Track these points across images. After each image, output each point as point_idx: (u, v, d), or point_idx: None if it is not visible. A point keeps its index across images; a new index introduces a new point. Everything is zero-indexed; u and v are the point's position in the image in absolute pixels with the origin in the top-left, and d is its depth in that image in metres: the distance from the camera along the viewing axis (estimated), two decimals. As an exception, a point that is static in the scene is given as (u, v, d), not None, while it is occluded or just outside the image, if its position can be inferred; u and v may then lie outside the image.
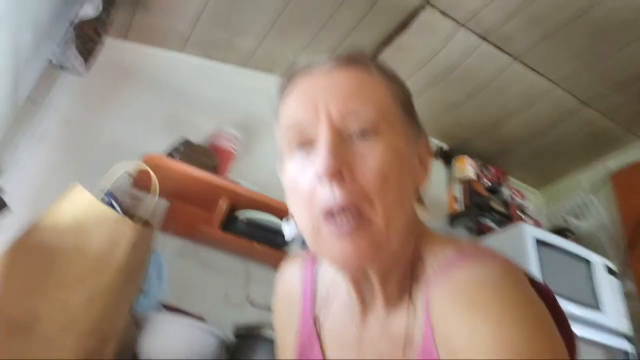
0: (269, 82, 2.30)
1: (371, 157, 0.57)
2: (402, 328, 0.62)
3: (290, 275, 0.81)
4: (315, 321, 0.74)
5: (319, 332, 0.73)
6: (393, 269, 0.64)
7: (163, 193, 1.66)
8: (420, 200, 0.67)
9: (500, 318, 0.49)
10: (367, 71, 0.63)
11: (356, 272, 0.64)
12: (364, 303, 0.67)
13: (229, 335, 1.53)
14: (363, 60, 0.65)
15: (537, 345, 0.47)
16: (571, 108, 2.38)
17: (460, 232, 2.31)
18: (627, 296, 2.24)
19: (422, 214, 0.68)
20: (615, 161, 2.60)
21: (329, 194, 0.55)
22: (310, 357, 0.73)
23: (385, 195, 0.56)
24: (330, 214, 0.56)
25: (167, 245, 1.73)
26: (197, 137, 1.88)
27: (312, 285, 0.77)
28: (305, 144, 0.60)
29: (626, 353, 2.07)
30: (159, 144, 1.80)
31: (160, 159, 1.59)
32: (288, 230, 1.70)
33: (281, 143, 0.64)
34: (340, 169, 0.55)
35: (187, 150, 1.67)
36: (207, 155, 1.71)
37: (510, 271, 0.56)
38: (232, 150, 1.91)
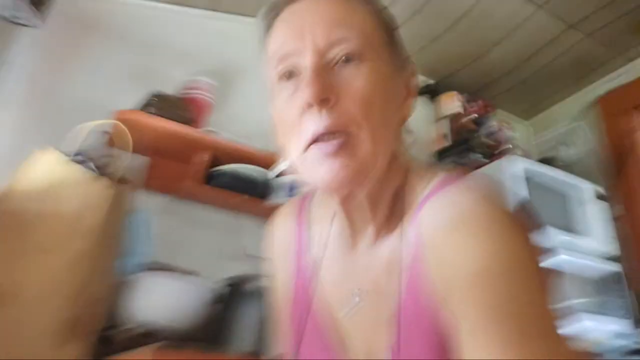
0: (242, 25, 2.19)
1: (357, 81, 0.58)
2: (394, 252, 0.63)
3: (282, 224, 0.82)
4: (311, 261, 0.75)
5: (313, 271, 0.74)
6: (383, 194, 0.65)
7: (141, 149, 1.60)
8: (407, 130, 0.68)
9: (487, 238, 0.52)
10: (358, 2, 0.63)
11: (344, 193, 0.64)
12: (355, 229, 0.69)
13: (222, 287, 1.51)
14: None
15: (521, 258, 0.51)
16: (555, 32, 2.30)
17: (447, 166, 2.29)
18: (616, 219, 2.26)
19: (409, 144, 0.68)
20: (602, 86, 2.55)
21: (317, 119, 0.56)
22: (306, 296, 0.73)
23: (371, 118, 0.58)
24: (317, 139, 0.57)
25: (153, 203, 1.69)
26: (171, 88, 1.79)
27: (305, 229, 0.78)
28: (293, 74, 0.60)
29: (617, 273, 2.11)
30: (131, 99, 1.71)
31: (132, 114, 1.51)
32: (280, 168, 1.67)
33: (269, 75, 0.64)
34: (327, 95, 0.56)
35: (161, 103, 1.59)
36: (182, 108, 1.64)
37: (494, 192, 0.58)
38: (209, 100, 1.83)
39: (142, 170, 1.70)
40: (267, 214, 1.81)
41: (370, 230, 0.67)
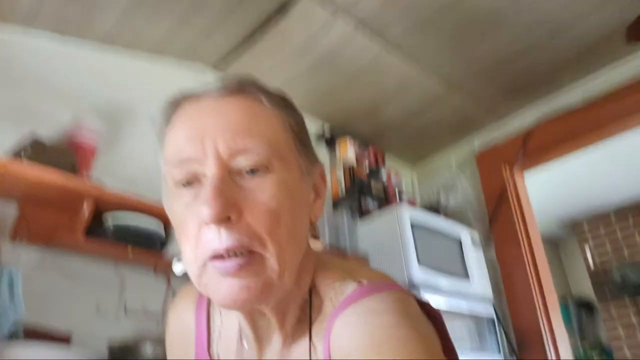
0: (135, 60, 2.09)
1: (261, 196, 0.55)
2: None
3: (183, 312, 0.77)
4: (212, 357, 0.70)
5: None
6: (290, 305, 0.63)
7: (11, 198, 1.43)
8: (315, 234, 0.67)
9: (394, 355, 0.50)
10: (258, 101, 0.61)
11: (247, 311, 0.62)
12: (260, 338, 0.66)
13: (102, 353, 1.38)
14: (254, 89, 0.61)
15: None
16: (440, 93, 2.52)
17: (343, 215, 2.35)
18: (490, 264, 2.48)
19: (316, 246, 0.67)
20: (479, 141, 2.82)
21: (216, 238, 0.53)
22: None
23: (276, 233, 0.55)
24: (217, 256, 0.54)
25: (22, 257, 1.50)
26: (51, 130, 1.63)
27: (207, 322, 0.73)
28: (192, 180, 0.57)
29: (492, 320, 2.30)
30: (4, 141, 1.53)
31: (3, 162, 1.35)
32: (179, 269, 1.58)
33: (166, 176, 0.61)
34: (228, 214, 0.53)
35: (38, 149, 1.43)
36: (63, 153, 1.49)
37: (403, 302, 0.57)
38: (94, 145, 1.69)
39: (10, 220, 1.52)
40: (154, 265, 1.73)
41: (276, 338, 0.64)
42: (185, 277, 1.70)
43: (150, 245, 1.63)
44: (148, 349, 1.34)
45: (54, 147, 1.49)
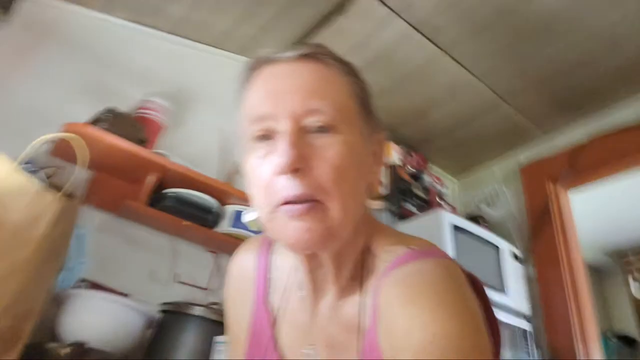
0: (200, 52, 2.23)
1: (328, 152, 0.61)
2: (353, 315, 0.66)
3: (245, 261, 0.82)
4: (268, 307, 0.76)
5: (272, 318, 0.75)
6: (346, 257, 0.68)
7: (88, 164, 1.56)
8: (374, 196, 0.71)
9: (437, 313, 0.54)
10: (328, 66, 0.66)
11: (309, 253, 0.66)
12: (316, 289, 0.71)
13: (155, 312, 1.49)
14: (325, 55, 0.68)
15: (466, 343, 0.52)
16: (490, 102, 2.53)
17: (384, 215, 2.40)
18: (528, 280, 2.46)
19: (374, 206, 0.72)
20: (525, 155, 2.81)
21: (288, 185, 0.59)
22: (262, 342, 0.74)
23: (340, 187, 0.60)
24: (287, 202, 0.60)
25: (90, 219, 1.64)
26: (124, 106, 1.77)
27: (266, 272, 0.79)
28: (267, 136, 0.63)
29: (525, 331, 2.28)
30: (82, 112, 1.68)
31: (84, 128, 1.49)
32: (249, 216, 1.69)
33: (243, 132, 0.66)
34: (300, 165, 0.59)
35: (114, 120, 1.57)
36: (135, 127, 1.63)
37: (450, 268, 0.62)
38: (162, 122, 1.83)
39: (84, 184, 1.66)
40: (208, 242, 1.83)
41: (331, 290, 0.69)
42: (230, 255, 1.80)
43: (204, 221, 1.74)
44: (197, 311, 1.43)
45: (127, 120, 1.62)
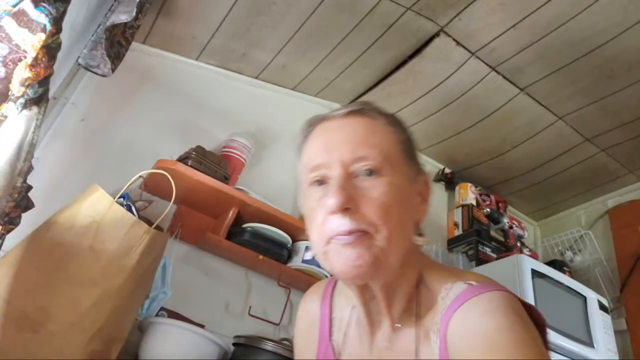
0: (280, 94, 2.35)
1: (374, 192, 0.68)
2: (409, 348, 0.70)
3: (310, 303, 0.91)
4: (332, 344, 0.82)
5: (336, 355, 0.80)
6: (397, 289, 0.73)
7: (174, 198, 1.68)
8: (420, 234, 0.77)
9: (510, 349, 0.59)
10: (374, 119, 0.75)
11: (360, 282, 0.72)
12: (372, 321, 0.76)
13: (229, 344, 1.53)
14: (371, 110, 0.77)
15: None
16: (574, 143, 2.44)
17: (458, 258, 2.34)
18: (618, 333, 2.27)
19: (420, 242, 0.77)
20: (613, 198, 2.64)
21: (339, 223, 0.67)
22: None
23: (386, 222, 0.67)
24: (339, 235, 0.67)
25: (172, 250, 1.74)
26: (210, 144, 1.90)
27: (330, 312, 0.86)
28: (322, 182, 0.71)
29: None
30: (171, 149, 1.83)
31: (173, 164, 1.60)
32: (310, 255, 1.75)
33: (302, 178, 0.76)
34: (349, 205, 0.66)
35: (200, 158, 1.68)
36: (220, 164, 1.73)
37: (511, 300, 0.66)
38: (243, 161, 1.93)
39: (169, 217, 1.78)
40: (281, 277, 1.88)
41: (385, 323, 0.74)
42: (303, 292, 1.82)
43: (278, 256, 1.79)
44: (269, 346, 1.46)
45: (213, 158, 1.73)
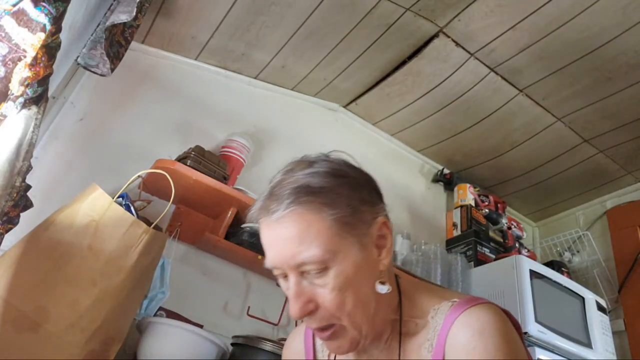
0: (278, 94, 2.35)
1: (326, 289, 0.72)
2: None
3: (294, 341, 0.98)
4: None
5: None
6: (382, 329, 0.81)
7: (173, 198, 1.67)
8: (382, 280, 0.77)
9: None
10: (304, 213, 0.72)
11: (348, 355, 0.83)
12: (359, 353, 0.84)
13: (227, 344, 1.53)
14: (296, 201, 0.72)
15: None
16: (572, 144, 2.44)
17: (457, 258, 2.34)
18: (616, 334, 2.27)
19: (382, 291, 0.77)
20: (611, 199, 2.65)
21: (309, 321, 0.75)
22: None
23: (344, 312, 0.73)
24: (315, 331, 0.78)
25: (171, 250, 1.73)
26: (207, 144, 1.89)
27: (313, 345, 0.93)
28: (285, 276, 0.75)
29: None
30: (170, 149, 1.83)
31: (172, 164, 1.60)
32: None
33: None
34: (308, 310, 0.73)
35: (199, 157, 1.68)
36: (219, 164, 1.73)
37: (497, 316, 0.74)
38: (242, 161, 1.93)
39: (168, 217, 1.78)
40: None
41: (374, 350, 0.83)
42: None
43: (277, 256, 1.78)
44: (268, 346, 1.46)
45: (212, 158, 1.72)
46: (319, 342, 0.92)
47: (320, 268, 0.71)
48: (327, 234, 0.72)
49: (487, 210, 2.56)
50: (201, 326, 1.64)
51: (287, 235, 0.72)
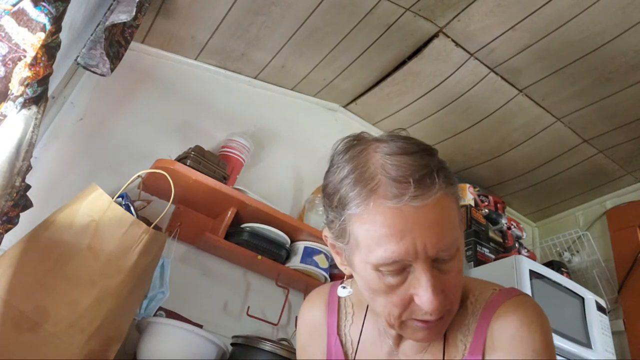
0: (278, 94, 2.35)
1: (455, 275, 0.68)
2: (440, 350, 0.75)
3: (315, 309, 0.91)
4: (342, 340, 0.84)
5: (345, 350, 0.83)
6: None
7: (173, 198, 1.68)
8: None
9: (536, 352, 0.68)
10: (446, 195, 0.66)
11: None
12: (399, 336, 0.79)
13: (227, 344, 1.53)
14: (441, 182, 0.66)
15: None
16: (572, 144, 2.44)
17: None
18: (616, 334, 2.27)
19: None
20: (611, 199, 2.65)
21: (427, 315, 0.67)
22: None
23: (458, 302, 0.72)
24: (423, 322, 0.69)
25: (170, 250, 1.73)
26: (207, 144, 1.89)
27: (336, 308, 0.87)
28: (401, 271, 0.66)
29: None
30: (170, 149, 1.83)
31: (172, 164, 1.60)
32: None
33: (360, 242, 0.68)
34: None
35: (199, 157, 1.68)
36: (218, 164, 1.73)
37: (542, 311, 0.75)
38: (242, 160, 1.93)
39: (167, 217, 1.78)
40: (279, 277, 1.88)
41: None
42: (301, 292, 1.80)
43: (277, 256, 1.79)
44: (267, 346, 1.46)
45: (212, 157, 1.72)
46: (344, 317, 0.86)
47: (455, 252, 0.67)
48: (459, 223, 0.70)
49: (486, 211, 2.56)
50: (201, 326, 1.65)
51: (432, 217, 0.64)
